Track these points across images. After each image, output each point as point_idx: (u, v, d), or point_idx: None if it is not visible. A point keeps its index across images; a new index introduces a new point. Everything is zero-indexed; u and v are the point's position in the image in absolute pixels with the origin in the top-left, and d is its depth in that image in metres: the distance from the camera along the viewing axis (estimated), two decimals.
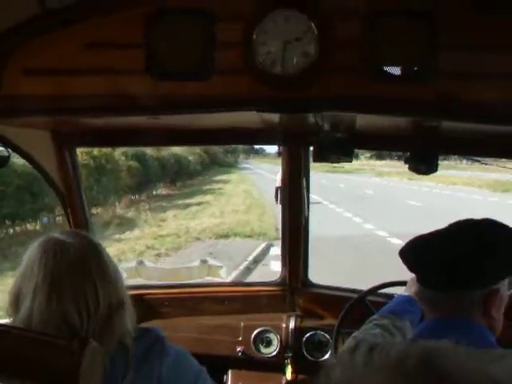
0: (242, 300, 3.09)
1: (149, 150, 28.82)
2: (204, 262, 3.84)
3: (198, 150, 46.77)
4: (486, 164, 2.71)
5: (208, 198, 28.82)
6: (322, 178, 47.51)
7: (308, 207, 3.00)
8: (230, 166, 69.97)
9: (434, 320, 1.52)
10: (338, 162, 2.34)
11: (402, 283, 2.68)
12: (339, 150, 2.26)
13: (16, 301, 1.45)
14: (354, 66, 1.77)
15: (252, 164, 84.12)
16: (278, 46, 1.77)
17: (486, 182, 39.98)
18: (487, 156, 2.46)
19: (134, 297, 1.59)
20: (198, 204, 26.10)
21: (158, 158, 30.00)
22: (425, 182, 43.12)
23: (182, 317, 3.06)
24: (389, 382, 0.62)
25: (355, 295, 2.69)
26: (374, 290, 2.63)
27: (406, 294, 2.13)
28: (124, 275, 3.66)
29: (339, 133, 2.24)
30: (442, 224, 1.62)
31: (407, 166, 2.34)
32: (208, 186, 37.41)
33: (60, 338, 1.11)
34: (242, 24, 1.77)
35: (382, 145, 2.63)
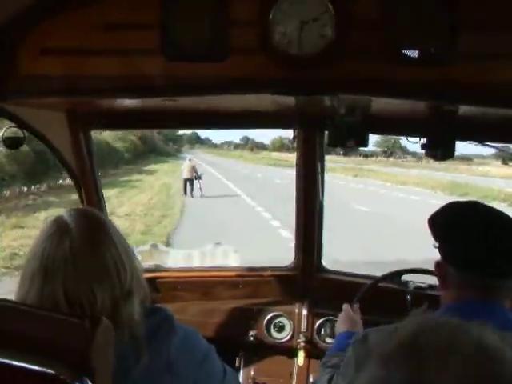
0: (255, 285, 3.08)
1: None
2: (217, 245, 3.84)
3: (131, 136, 44.43)
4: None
5: (111, 192, 24.31)
6: (259, 172, 43.28)
7: (323, 192, 2.97)
8: (168, 155, 66.44)
9: (462, 302, 1.49)
10: (352, 147, 2.31)
11: (417, 271, 2.66)
12: (354, 134, 2.24)
13: (21, 280, 1.40)
14: (371, 48, 1.74)
15: (195, 154, 77.44)
16: (294, 26, 1.75)
17: (440, 182, 36.93)
18: (507, 142, 2.42)
19: (146, 280, 1.58)
20: None
21: None
22: (371, 180, 39.68)
23: (194, 300, 3.06)
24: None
25: (369, 281, 2.67)
26: (387, 277, 2.61)
27: (343, 330, 2.15)
28: (138, 258, 3.69)
29: (355, 117, 2.20)
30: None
31: (424, 151, 2.31)
32: (126, 178, 32.98)
33: (71, 315, 1.11)
34: (259, 3, 1.75)
35: (397, 130, 2.60)
